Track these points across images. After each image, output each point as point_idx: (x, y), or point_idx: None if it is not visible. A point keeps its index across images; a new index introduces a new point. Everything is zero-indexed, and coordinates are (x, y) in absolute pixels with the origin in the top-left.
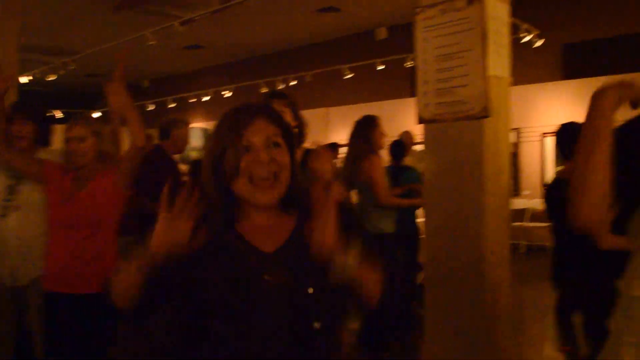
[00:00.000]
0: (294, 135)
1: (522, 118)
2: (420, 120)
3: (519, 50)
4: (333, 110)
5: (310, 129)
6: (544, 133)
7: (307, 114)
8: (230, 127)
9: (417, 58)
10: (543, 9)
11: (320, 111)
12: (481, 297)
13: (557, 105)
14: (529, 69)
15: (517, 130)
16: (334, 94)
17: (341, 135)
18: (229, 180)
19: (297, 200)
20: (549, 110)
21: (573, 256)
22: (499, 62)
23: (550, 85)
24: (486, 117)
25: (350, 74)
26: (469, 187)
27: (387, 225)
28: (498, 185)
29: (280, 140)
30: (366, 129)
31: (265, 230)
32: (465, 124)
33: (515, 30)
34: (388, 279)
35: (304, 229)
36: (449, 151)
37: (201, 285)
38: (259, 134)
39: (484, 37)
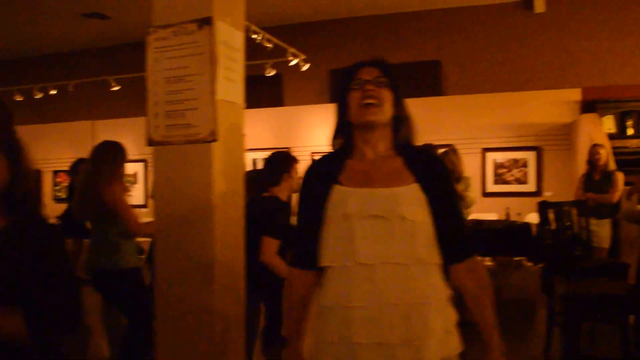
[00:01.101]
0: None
1: (292, 138)
2: (150, 142)
3: (289, 74)
4: (99, 123)
5: (73, 142)
6: (313, 152)
7: (70, 127)
8: None
9: (148, 79)
10: (310, 35)
11: (84, 124)
12: (211, 327)
13: (325, 126)
14: (299, 91)
15: (287, 149)
16: (100, 106)
17: None
18: None
19: (13, 201)
20: (316, 131)
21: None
22: (230, 88)
23: (318, 108)
24: (214, 141)
25: (118, 85)
26: (199, 211)
27: (135, 257)
28: (230, 208)
29: None
30: (110, 152)
31: None
32: (194, 148)
33: (283, 54)
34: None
35: (11, 229)
36: (178, 175)
37: None
38: None
39: (213, 62)
